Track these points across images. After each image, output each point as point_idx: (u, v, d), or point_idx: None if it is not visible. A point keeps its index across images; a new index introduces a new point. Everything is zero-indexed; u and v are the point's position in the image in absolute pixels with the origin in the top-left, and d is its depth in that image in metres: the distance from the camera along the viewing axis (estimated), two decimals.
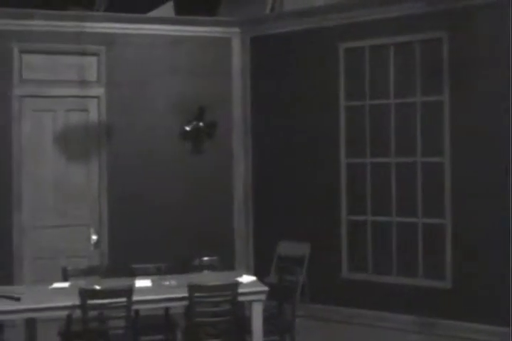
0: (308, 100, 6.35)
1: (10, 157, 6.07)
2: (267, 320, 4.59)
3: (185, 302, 4.43)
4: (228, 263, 5.89)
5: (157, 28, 6.50)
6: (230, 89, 6.64)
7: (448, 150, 5.64)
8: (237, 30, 6.67)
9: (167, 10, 7.07)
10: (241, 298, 4.47)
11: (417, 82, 5.80)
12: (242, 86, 6.67)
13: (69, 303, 4.25)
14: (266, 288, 4.58)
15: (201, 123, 6.45)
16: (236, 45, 6.67)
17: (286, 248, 6.30)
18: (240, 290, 4.43)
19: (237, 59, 6.67)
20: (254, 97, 6.67)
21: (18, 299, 3.08)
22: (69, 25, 6.24)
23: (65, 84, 6.22)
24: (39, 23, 6.17)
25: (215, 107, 6.50)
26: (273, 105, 6.56)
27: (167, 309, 4.85)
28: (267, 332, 4.56)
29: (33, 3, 6.27)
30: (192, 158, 6.48)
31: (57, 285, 4.71)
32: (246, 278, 4.82)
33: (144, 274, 4.99)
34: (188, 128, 6.43)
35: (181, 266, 5.12)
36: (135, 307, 4.36)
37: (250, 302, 4.55)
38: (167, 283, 4.72)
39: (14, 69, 6.11)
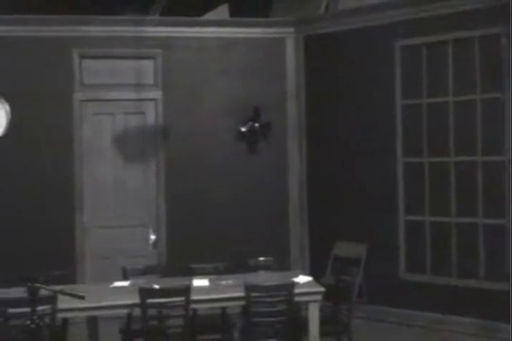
0: (364, 99, 6.28)
1: (72, 159, 6.27)
2: (323, 321, 4.57)
3: (241, 302, 4.47)
4: (283, 264, 5.90)
5: (212, 30, 6.57)
6: (284, 89, 6.65)
7: (509, 148, 5.47)
8: (291, 30, 6.66)
9: (221, 12, 7.14)
10: (297, 299, 4.47)
11: (476, 79, 5.65)
12: (297, 86, 6.67)
13: (129, 302, 4.36)
14: (322, 289, 4.57)
15: (256, 124, 6.48)
16: (290, 45, 6.67)
17: (343, 248, 6.25)
18: (297, 291, 4.44)
19: (292, 59, 6.67)
20: (308, 97, 6.65)
21: (82, 297, 3.19)
22: (126, 30, 6.39)
23: (123, 88, 6.37)
24: (97, 29, 6.34)
25: (269, 108, 6.52)
26: (328, 104, 6.53)
27: (224, 308, 4.90)
28: (324, 333, 4.55)
29: (92, 10, 6.45)
30: (247, 159, 6.52)
31: (117, 284, 4.84)
32: (302, 279, 4.82)
33: (202, 274, 5.06)
34: (243, 129, 6.47)
35: (237, 266, 5.16)
36: (193, 306, 4.43)
37: (306, 302, 4.55)
38: (224, 282, 4.77)
39: (75, 74, 6.30)
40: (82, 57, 6.34)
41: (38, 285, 3.05)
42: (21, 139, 6.18)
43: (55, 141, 6.23)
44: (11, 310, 4.05)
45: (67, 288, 3.87)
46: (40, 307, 3.51)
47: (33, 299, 3.03)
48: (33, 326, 2.99)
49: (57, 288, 3.45)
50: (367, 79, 6.26)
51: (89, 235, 6.28)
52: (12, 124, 6.17)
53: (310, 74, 6.63)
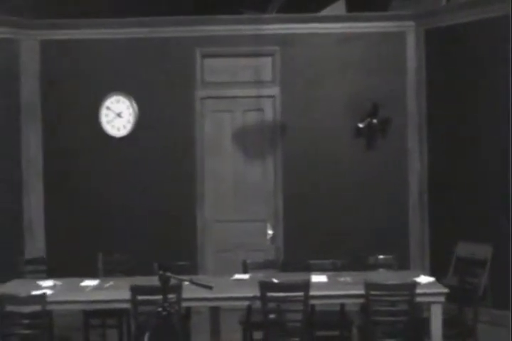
0: (487, 94, 5.99)
1: (193, 156, 6.50)
2: (446, 323, 4.43)
3: (360, 300, 4.42)
4: (402, 262, 5.75)
5: (329, 26, 6.54)
6: (404, 84, 6.49)
7: None
8: (411, 23, 6.49)
9: (338, 8, 7.09)
10: (419, 299, 4.36)
11: None
12: (417, 81, 6.48)
13: (250, 294, 4.45)
14: (446, 290, 4.42)
15: (375, 120, 6.38)
16: (411, 39, 6.50)
17: (466, 249, 6.00)
18: (418, 291, 4.33)
19: (412, 53, 6.49)
20: (429, 92, 6.45)
21: (211, 288, 3.30)
22: (245, 29, 6.52)
23: (242, 85, 6.51)
24: (218, 28, 6.52)
25: (388, 103, 6.39)
26: (450, 100, 6.29)
27: (342, 305, 4.87)
28: (447, 336, 4.40)
29: (212, 10, 6.65)
30: (365, 155, 6.44)
31: (238, 276, 4.96)
32: (424, 279, 4.69)
33: (319, 270, 5.06)
34: (361, 125, 6.40)
35: (356, 263, 5.11)
36: (311, 301, 4.44)
37: (429, 303, 4.42)
38: (342, 279, 4.75)
39: (196, 73, 6.52)
40: (204, 56, 6.54)
41: (168, 274, 3.19)
42: (146, 136, 6.50)
43: (177, 138, 6.50)
44: (141, 297, 4.29)
45: (194, 278, 4.02)
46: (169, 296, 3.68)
47: (164, 287, 3.17)
48: (164, 313, 3.13)
49: (186, 278, 3.58)
50: (490, 73, 5.96)
51: (209, 229, 6.49)
52: (138, 122, 6.51)
53: (431, 69, 6.42)
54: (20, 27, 6.48)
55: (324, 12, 6.93)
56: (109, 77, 6.54)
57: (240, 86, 6.51)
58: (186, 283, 3.99)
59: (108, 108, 6.54)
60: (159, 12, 6.56)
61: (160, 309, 3.20)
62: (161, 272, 3.19)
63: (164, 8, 6.71)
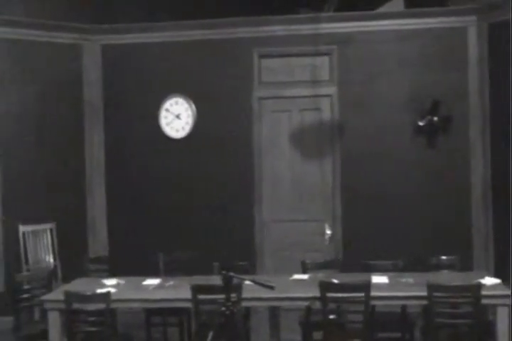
0: None
1: (251, 155, 6.53)
2: None
3: (423, 302, 4.34)
4: (466, 263, 5.61)
5: (387, 23, 6.45)
6: (465, 81, 6.32)
7: None
8: (473, 18, 6.31)
9: (396, 4, 6.97)
10: (484, 301, 4.23)
11: None
12: (480, 77, 6.29)
13: (309, 295, 4.43)
14: None
15: (435, 118, 6.23)
16: (472, 34, 6.32)
17: None
18: (483, 293, 4.20)
19: (474, 49, 6.31)
20: (492, 88, 6.25)
21: (272, 288, 3.31)
22: (302, 28, 6.50)
23: (300, 85, 6.49)
24: (275, 29, 6.52)
25: (449, 101, 6.24)
26: None
27: (404, 307, 4.79)
28: None
29: (269, 10, 6.66)
30: (426, 154, 6.31)
31: (297, 276, 4.95)
32: (489, 280, 4.56)
33: (379, 270, 4.99)
34: (421, 124, 6.26)
35: (418, 264, 5.01)
36: (372, 302, 4.39)
37: (494, 306, 4.29)
38: (404, 280, 4.67)
39: (254, 73, 6.54)
40: (261, 56, 6.56)
41: (231, 274, 3.21)
42: (204, 137, 6.57)
43: (235, 138, 6.54)
44: (202, 297, 4.34)
45: (254, 278, 4.04)
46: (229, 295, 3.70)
47: (227, 287, 3.19)
48: (228, 312, 3.16)
49: (248, 277, 3.60)
50: None
51: (267, 229, 6.50)
52: (196, 123, 6.59)
53: (494, 65, 6.23)
54: (83, 32, 6.68)
55: (382, 9, 6.83)
56: (168, 80, 6.65)
57: (297, 85, 6.49)
58: (248, 282, 4.01)
59: (167, 110, 6.66)
60: (216, 14, 6.61)
61: (223, 308, 3.22)
62: (223, 272, 3.22)
63: (221, 10, 6.77)
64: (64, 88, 6.57)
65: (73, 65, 6.66)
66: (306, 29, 6.48)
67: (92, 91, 6.74)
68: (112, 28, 6.75)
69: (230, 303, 3.23)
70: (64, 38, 6.59)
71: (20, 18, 6.30)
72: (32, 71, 6.37)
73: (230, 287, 3.25)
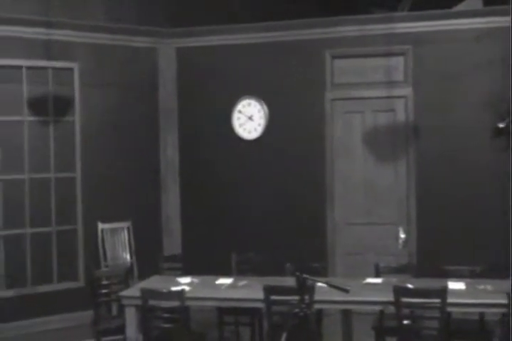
0: None
1: (323, 158, 6.49)
2: None
3: (502, 310, 4.19)
4: None
5: (465, 21, 6.26)
6: None
7: None
8: None
9: (474, 2, 6.76)
10: None
11: None
12: None
13: (383, 299, 4.37)
14: None
15: None
16: None
17: None
18: None
19: None
20: None
21: (347, 291, 3.28)
22: (376, 28, 6.41)
23: (373, 86, 6.41)
24: (348, 29, 6.46)
25: None
26: None
27: (482, 314, 4.64)
28: None
29: (341, 11, 6.61)
30: (506, 157, 6.07)
31: (370, 280, 4.89)
32: None
33: (456, 276, 4.86)
34: (501, 125, 6.05)
35: (496, 270, 4.85)
36: (448, 309, 4.28)
37: None
38: (482, 287, 4.53)
39: (326, 74, 6.51)
40: (334, 57, 6.52)
41: (305, 275, 3.21)
42: (276, 138, 6.60)
43: (307, 140, 6.52)
44: (274, 297, 4.36)
45: (328, 280, 4.01)
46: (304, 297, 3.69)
47: (301, 288, 3.20)
48: (301, 314, 3.16)
49: (322, 279, 3.59)
50: None
51: (339, 231, 6.45)
52: (269, 124, 6.63)
53: None
54: (158, 36, 6.85)
55: (459, 7, 6.64)
56: (241, 81, 6.72)
57: (370, 87, 6.41)
58: (322, 284, 4.00)
59: (240, 111, 6.73)
60: (288, 15, 6.63)
61: (297, 310, 3.22)
62: (297, 273, 3.22)
63: (293, 12, 6.77)
64: (140, 91, 6.76)
65: (149, 68, 6.84)
66: (379, 29, 6.39)
67: (167, 93, 6.90)
68: (186, 31, 6.88)
69: (303, 305, 3.23)
70: (140, 41, 6.78)
71: (100, 22, 6.52)
72: (110, 74, 6.58)
73: (303, 289, 3.25)
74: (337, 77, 6.53)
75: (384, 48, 6.37)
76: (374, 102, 6.42)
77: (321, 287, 4.27)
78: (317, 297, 4.31)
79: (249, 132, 6.69)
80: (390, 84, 6.38)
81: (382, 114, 6.41)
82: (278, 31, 6.62)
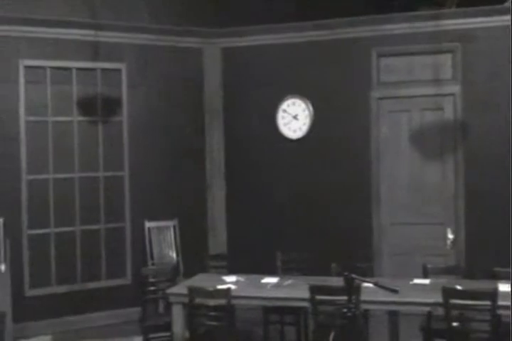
0: None
1: (369, 156, 6.42)
2: None
3: None
4: None
5: None
6: None
7: None
8: None
9: None
10: None
11: None
12: None
13: (431, 300, 4.31)
14: None
15: None
16: None
17: None
18: None
19: None
20: None
21: (396, 291, 3.25)
22: (423, 26, 6.30)
23: (421, 84, 6.30)
24: (395, 27, 6.37)
25: None
26: None
27: None
28: None
29: (387, 8, 6.53)
30: None
31: (417, 281, 4.82)
32: None
33: (507, 278, 4.73)
34: None
35: None
36: (499, 312, 4.18)
37: None
38: None
39: (372, 73, 6.44)
40: (379, 55, 6.45)
41: (353, 275, 3.19)
42: (321, 137, 6.57)
43: (352, 140, 6.47)
44: (320, 297, 4.34)
45: (382, 281, 3.97)
46: (341, 298, 3.67)
47: (349, 288, 3.18)
48: (349, 314, 3.14)
49: (371, 280, 3.56)
50: None
51: (386, 231, 6.37)
52: (313, 123, 6.60)
53: None
54: (204, 36, 6.90)
55: (508, 3, 6.47)
56: (285, 80, 6.72)
57: (417, 85, 6.31)
58: (367, 284, 3.97)
59: (285, 111, 6.72)
60: (333, 14, 6.58)
61: (345, 310, 3.21)
62: (346, 273, 3.20)
63: (338, 10, 6.72)
64: (186, 91, 6.83)
65: (195, 68, 6.90)
66: (427, 26, 6.28)
67: (212, 93, 6.95)
68: (232, 31, 6.91)
69: (352, 305, 3.21)
70: (186, 42, 6.85)
71: (146, 24, 6.61)
72: (157, 75, 6.67)
73: (351, 289, 3.23)
74: (383, 75, 6.46)
75: (431, 46, 6.27)
76: (421, 101, 6.31)
77: (367, 287, 4.25)
78: (364, 297, 4.27)
79: (294, 131, 6.68)
80: (438, 82, 6.26)
81: (430, 112, 6.30)
82: (324, 30, 6.59)
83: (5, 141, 6.02)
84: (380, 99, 6.43)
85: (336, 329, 3.14)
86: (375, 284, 3.34)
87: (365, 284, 4.10)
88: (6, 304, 5.42)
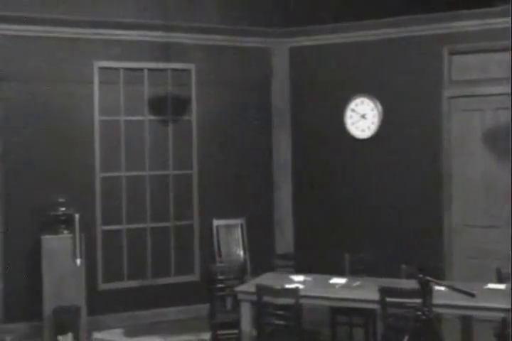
0: None
1: (440, 156, 6.27)
2: None
3: None
4: None
5: None
6: None
7: None
8: None
9: None
10: None
11: None
12: None
13: (506, 306, 4.17)
14: None
15: None
16: None
17: None
18: None
19: None
20: None
21: (473, 295, 3.17)
22: (498, 22, 6.10)
23: (495, 82, 6.10)
24: (468, 24, 6.20)
25: None
26: None
27: None
28: None
29: (461, 5, 6.35)
30: None
31: (492, 285, 4.68)
32: None
33: None
34: None
35: None
36: None
37: None
38: None
39: (444, 71, 6.29)
40: (451, 53, 6.29)
41: (428, 278, 3.14)
42: (391, 137, 6.47)
43: (423, 139, 6.34)
44: (390, 299, 4.29)
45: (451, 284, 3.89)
46: (413, 300, 3.60)
47: (424, 291, 3.12)
48: (424, 317, 3.09)
49: (446, 283, 3.49)
50: None
51: (458, 233, 6.20)
52: (382, 123, 6.51)
53: None
54: (271, 36, 6.92)
55: None
56: (353, 79, 6.66)
57: (491, 83, 6.11)
58: (438, 288, 3.89)
59: (353, 110, 6.66)
60: (401, 11, 6.46)
61: (419, 313, 3.15)
62: (420, 275, 3.15)
63: (406, 7, 6.59)
64: (254, 91, 6.87)
65: (263, 68, 6.94)
66: (502, 23, 6.07)
67: (280, 92, 6.96)
68: (299, 30, 6.91)
69: (426, 308, 3.15)
70: (254, 42, 6.89)
71: (215, 24, 6.70)
72: (225, 74, 6.75)
73: (426, 291, 3.17)
74: (455, 73, 6.30)
75: (507, 42, 6.05)
76: (495, 99, 6.11)
77: (438, 290, 4.16)
78: (436, 301, 4.18)
79: (363, 131, 6.61)
80: None
81: (505, 111, 6.09)
82: (392, 28, 6.49)
83: (80, 139, 6.24)
84: (452, 97, 6.27)
85: (410, 333, 3.09)
86: (451, 287, 3.27)
87: (437, 287, 4.03)
88: (80, 297, 5.61)
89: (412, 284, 4.32)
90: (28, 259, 5.93)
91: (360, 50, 6.65)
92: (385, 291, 4.33)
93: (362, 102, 6.62)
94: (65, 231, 5.66)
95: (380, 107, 6.53)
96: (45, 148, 6.09)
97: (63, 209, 5.70)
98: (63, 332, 5.36)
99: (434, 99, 6.31)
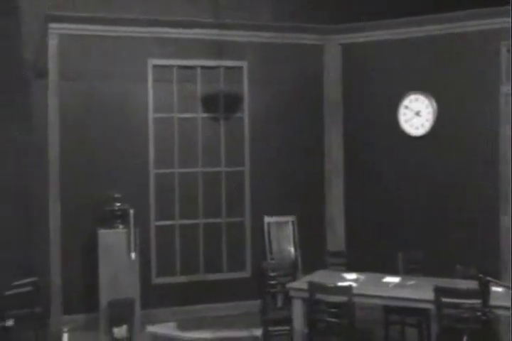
0: None
1: (497, 156, 6.02)
2: None
3: None
4: None
5: None
6: None
7: None
8: None
9: None
10: None
11: None
12: None
13: None
14: None
15: None
16: None
17: None
18: None
19: None
20: None
21: None
22: None
23: None
24: None
25: None
26: None
27: None
28: None
29: None
30: None
31: None
32: None
33: None
34: None
35: None
36: None
37: None
38: None
39: (502, 67, 6.13)
40: (508, 49, 6.12)
41: (489, 278, 3.08)
42: (446, 135, 6.34)
43: (479, 137, 6.19)
44: (446, 300, 4.22)
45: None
46: (471, 301, 3.53)
47: (484, 292, 3.06)
48: (484, 318, 3.03)
49: (507, 284, 3.42)
50: None
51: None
52: (437, 120, 6.40)
53: None
54: (323, 33, 6.90)
55: None
56: (407, 76, 6.56)
57: None
58: (496, 289, 3.81)
59: (406, 107, 6.57)
60: (454, 6, 6.32)
61: (479, 313, 3.10)
62: (480, 275, 3.09)
63: (459, 2, 6.45)
64: (305, 88, 6.86)
65: (314, 65, 6.92)
66: None
67: (332, 89, 6.93)
68: (351, 27, 6.86)
69: (487, 309, 3.09)
70: (306, 39, 6.88)
71: (267, 22, 6.71)
72: (277, 72, 6.75)
73: (486, 292, 3.11)
74: None
75: None
76: None
77: (495, 291, 4.07)
78: (492, 302, 4.09)
79: (416, 128, 6.51)
80: None
81: None
82: (446, 23, 6.36)
83: (135, 136, 6.36)
84: (510, 94, 6.10)
85: (469, 334, 3.04)
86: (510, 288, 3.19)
87: (493, 288, 3.94)
88: (135, 291, 5.72)
89: (467, 284, 4.27)
90: (84, 253, 6.09)
91: (414, 46, 6.55)
92: (440, 291, 4.26)
93: (416, 99, 6.52)
94: (121, 226, 5.78)
95: (435, 104, 6.42)
96: (101, 145, 6.23)
97: (119, 204, 5.83)
98: (118, 324, 5.48)
99: (491, 95, 6.16)
